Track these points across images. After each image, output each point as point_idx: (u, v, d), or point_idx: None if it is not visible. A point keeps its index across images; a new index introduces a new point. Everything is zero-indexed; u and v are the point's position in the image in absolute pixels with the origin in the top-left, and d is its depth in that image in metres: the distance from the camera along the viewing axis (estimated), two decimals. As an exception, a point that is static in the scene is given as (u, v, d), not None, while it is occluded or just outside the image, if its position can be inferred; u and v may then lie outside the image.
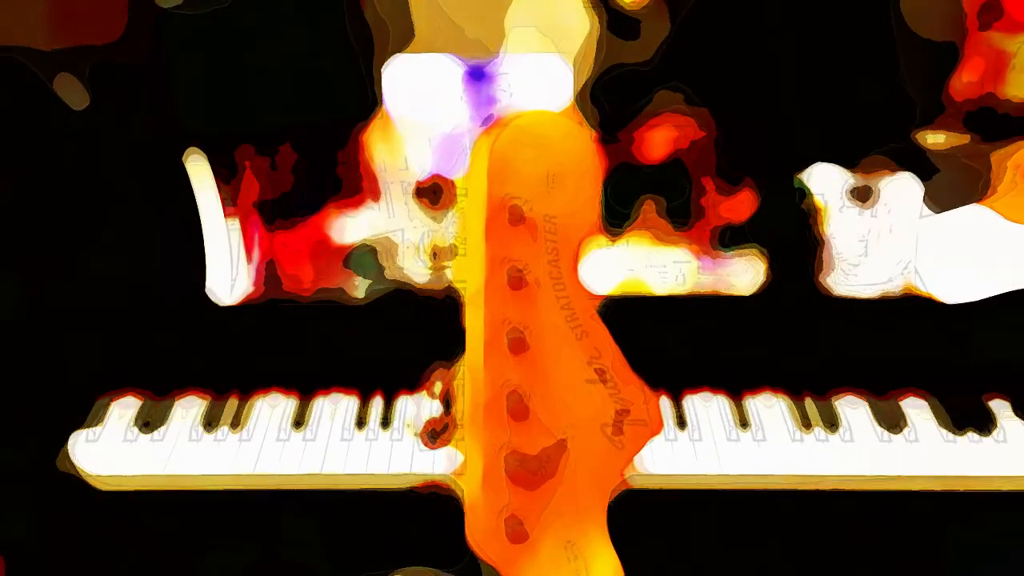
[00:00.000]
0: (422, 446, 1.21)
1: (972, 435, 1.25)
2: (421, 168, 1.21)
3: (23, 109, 1.21)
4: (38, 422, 1.26)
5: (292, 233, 1.24)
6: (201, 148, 1.22)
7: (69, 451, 1.24)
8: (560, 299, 0.75)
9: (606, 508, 0.89)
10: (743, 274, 1.25)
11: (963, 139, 1.23)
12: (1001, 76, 1.22)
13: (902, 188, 1.24)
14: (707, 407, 1.29)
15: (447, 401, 1.11)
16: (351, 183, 1.23)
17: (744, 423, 1.26)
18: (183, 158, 1.22)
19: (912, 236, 1.24)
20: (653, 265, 1.23)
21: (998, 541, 1.27)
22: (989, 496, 1.21)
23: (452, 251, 1.19)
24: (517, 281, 0.69)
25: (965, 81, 1.22)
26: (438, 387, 1.14)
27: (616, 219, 1.21)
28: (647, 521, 1.15)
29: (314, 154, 1.23)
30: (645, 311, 1.23)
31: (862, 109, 1.23)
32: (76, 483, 1.22)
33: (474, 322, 0.76)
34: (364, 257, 1.25)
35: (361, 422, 1.27)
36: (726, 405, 1.29)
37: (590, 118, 1.16)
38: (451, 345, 1.12)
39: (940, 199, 1.24)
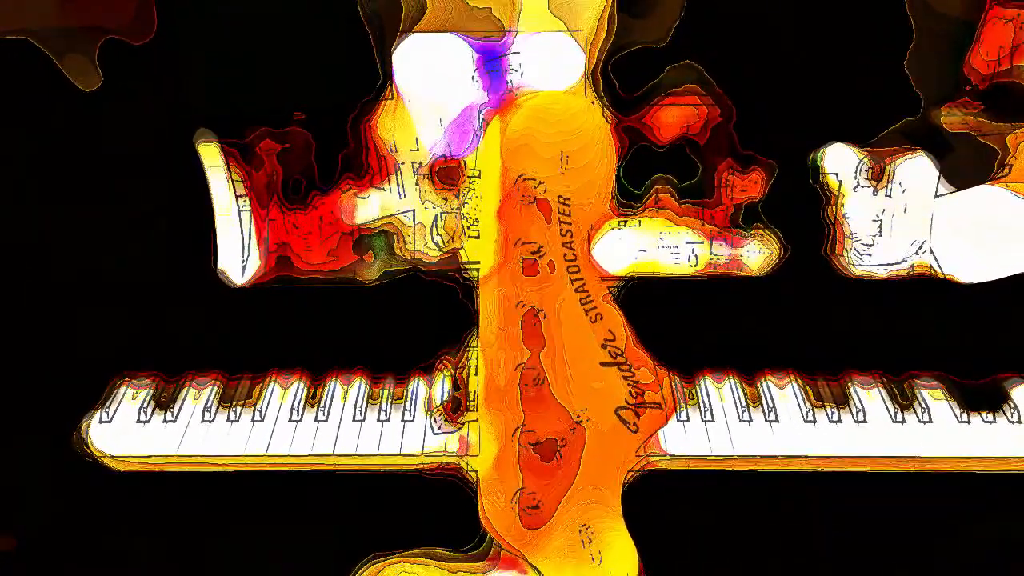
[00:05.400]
0: (435, 428, 1.21)
1: (986, 416, 1.24)
2: (432, 148, 1.20)
3: (35, 90, 1.20)
4: (52, 404, 1.26)
5: (303, 214, 1.24)
6: (212, 129, 1.22)
7: (83, 432, 1.24)
8: (575, 281, 0.75)
9: (620, 491, 0.89)
10: (756, 255, 1.24)
11: (979, 117, 1.22)
12: (1020, 52, 1.20)
13: (917, 167, 1.23)
14: (720, 388, 1.28)
15: (459, 384, 1.11)
16: (362, 164, 1.23)
17: (757, 404, 1.26)
18: (194, 139, 1.22)
19: (927, 216, 1.23)
20: (665, 246, 1.22)
21: (1011, 522, 1.27)
22: (1003, 476, 1.21)
23: (464, 232, 1.19)
24: (531, 265, 0.69)
25: (983, 58, 1.21)
26: (450, 369, 1.14)
27: (629, 200, 1.20)
28: (660, 502, 1.16)
29: (325, 135, 1.23)
30: (657, 292, 1.22)
31: (877, 88, 1.21)
32: (90, 463, 1.23)
33: (488, 304, 0.76)
34: (376, 238, 1.24)
35: (373, 403, 1.27)
36: (739, 386, 1.29)
37: (602, 98, 1.15)
38: (464, 327, 1.12)
39: (955, 178, 1.23)
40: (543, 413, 0.76)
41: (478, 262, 0.87)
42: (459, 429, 1.17)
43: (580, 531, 0.78)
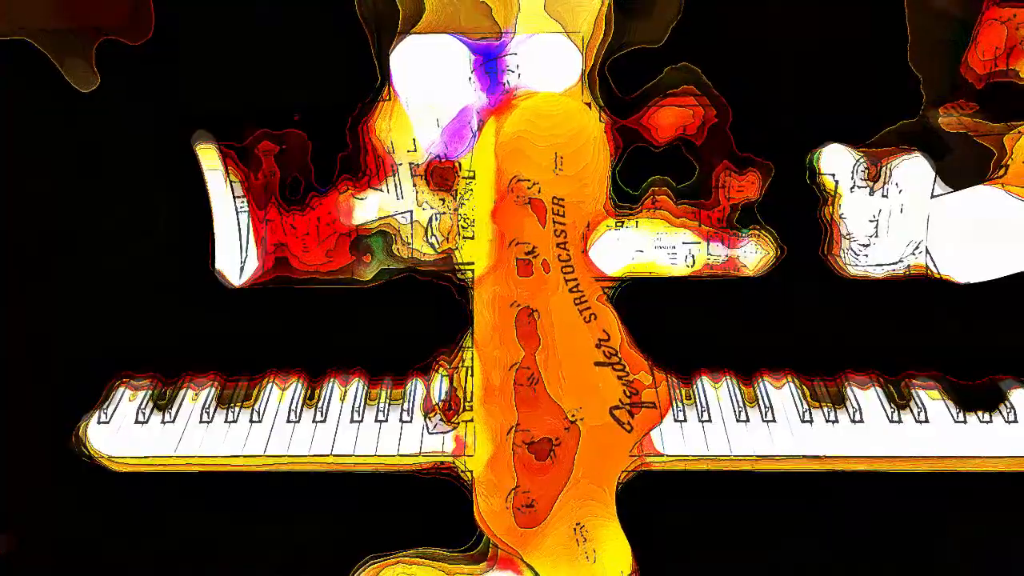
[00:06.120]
0: (430, 428, 1.21)
1: (983, 416, 1.24)
2: (429, 149, 1.21)
3: (32, 90, 1.21)
4: (50, 405, 1.26)
5: (301, 215, 1.25)
6: (210, 130, 1.22)
7: (82, 433, 1.25)
8: (569, 281, 0.75)
9: (615, 489, 0.89)
10: (753, 255, 1.24)
11: (976, 118, 1.22)
12: (1016, 53, 1.20)
13: (913, 168, 1.23)
14: (717, 389, 1.29)
15: (454, 384, 1.11)
16: (359, 165, 1.23)
17: (754, 404, 1.26)
18: (192, 141, 1.22)
19: (923, 216, 1.24)
20: (663, 246, 1.23)
21: (1007, 521, 1.27)
22: (999, 476, 1.22)
23: (460, 232, 1.19)
24: (526, 265, 0.69)
25: (979, 58, 1.21)
26: (446, 369, 1.14)
27: (626, 201, 1.20)
28: (656, 501, 1.16)
29: (323, 136, 1.23)
30: (655, 293, 1.23)
31: (874, 88, 1.22)
32: (88, 463, 1.23)
33: (482, 304, 0.76)
34: (374, 239, 1.25)
35: (371, 404, 1.27)
36: (736, 386, 1.29)
37: (599, 99, 1.16)
38: (459, 327, 1.12)
39: (952, 179, 1.24)
40: (537, 412, 0.76)
41: (473, 262, 0.87)
42: (455, 429, 1.17)
43: (575, 530, 0.78)
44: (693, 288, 1.24)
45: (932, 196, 1.23)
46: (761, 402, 1.27)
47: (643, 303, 1.17)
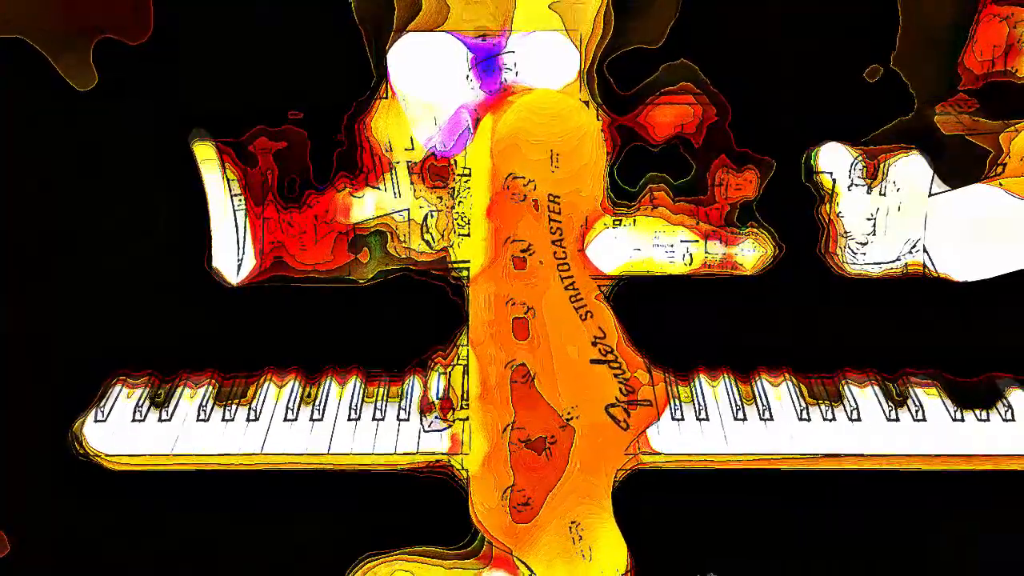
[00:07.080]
0: (426, 426, 1.21)
1: (980, 414, 1.24)
2: (426, 147, 1.21)
3: (29, 89, 1.21)
4: (49, 404, 1.27)
5: (298, 213, 1.25)
6: (207, 128, 1.22)
7: (78, 431, 1.25)
8: (564, 279, 0.75)
9: (611, 488, 0.89)
10: (750, 253, 1.25)
11: (974, 117, 1.22)
12: (1014, 52, 1.20)
13: (911, 166, 1.23)
14: (714, 387, 1.29)
15: (449, 382, 1.11)
16: (357, 163, 1.23)
17: (751, 402, 1.26)
18: (189, 138, 1.22)
19: (921, 214, 1.24)
20: (660, 245, 1.23)
21: (1004, 519, 1.27)
22: (996, 474, 1.22)
23: (455, 230, 1.19)
24: (521, 262, 0.69)
25: (977, 57, 1.21)
26: (441, 368, 1.14)
27: (624, 199, 1.20)
28: (653, 499, 1.16)
29: (320, 134, 1.23)
30: (652, 291, 1.23)
31: (871, 86, 1.22)
32: (84, 462, 1.23)
33: (478, 302, 0.76)
34: (371, 237, 1.25)
35: (368, 402, 1.27)
36: (733, 384, 1.29)
37: (596, 97, 1.16)
38: (455, 325, 1.13)
39: (949, 177, 1.24)
40: (533, 410, 0.76)
41: (468, 260, 0.87)
42: (450, 427, 1.17)
43: (570, 528, 0.78)
44: (691, 286, 1.24)
45: (930, 194, 1.23)
46: (759, 400, 1.27)
47: (641, 301, 1.17)
